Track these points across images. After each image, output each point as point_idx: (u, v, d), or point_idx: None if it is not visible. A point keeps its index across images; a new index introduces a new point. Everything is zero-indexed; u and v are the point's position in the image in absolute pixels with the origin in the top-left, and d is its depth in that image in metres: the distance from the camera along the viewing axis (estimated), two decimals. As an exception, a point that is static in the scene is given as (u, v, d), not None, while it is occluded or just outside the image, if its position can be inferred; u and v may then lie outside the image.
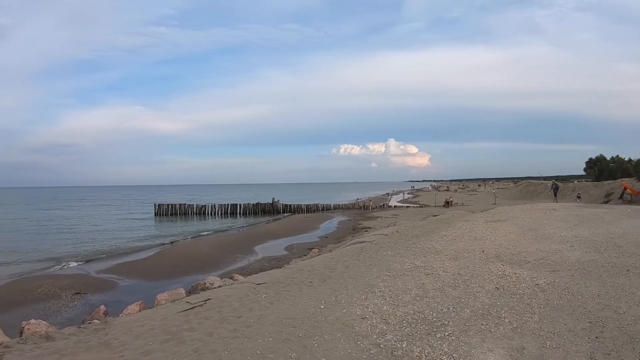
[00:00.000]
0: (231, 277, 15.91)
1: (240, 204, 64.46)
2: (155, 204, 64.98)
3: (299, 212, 60.46)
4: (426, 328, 7.62)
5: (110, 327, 9.21)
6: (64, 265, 24.97)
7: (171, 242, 33.85)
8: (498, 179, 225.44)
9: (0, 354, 7.98)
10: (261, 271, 16.89)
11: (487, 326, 7.63)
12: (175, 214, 61.95)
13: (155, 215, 62.08)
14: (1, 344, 8.87)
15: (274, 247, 27.97)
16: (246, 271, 18.88)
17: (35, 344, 8.53)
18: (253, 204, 64.51)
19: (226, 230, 42.57)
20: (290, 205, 64.32)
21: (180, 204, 64.41)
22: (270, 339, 7.43)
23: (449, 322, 7.84)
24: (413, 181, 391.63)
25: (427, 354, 6.62)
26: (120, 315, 11.74)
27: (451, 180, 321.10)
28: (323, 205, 63.58)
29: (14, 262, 26.62)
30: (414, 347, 6.86)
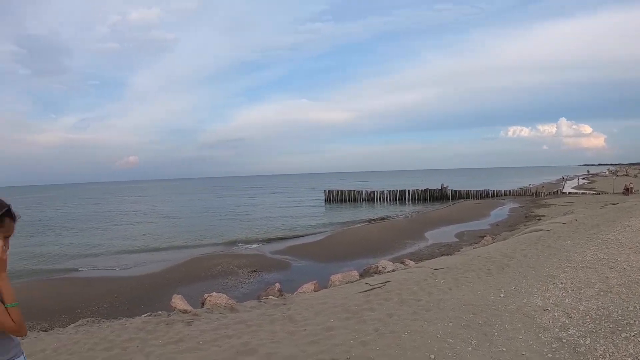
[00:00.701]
0: (402, 262, 15.95)
1: (408, 190, 64.22)
2: (325, 191, 67.34)
3: (468, 199, 59.04)
4: (610, 326, 7.08)
5: (292, 303, 9.79)
6: (240, 246, 27.04)
7: (341, 227, 34.48)
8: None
9: (190, 320, 8.69)
10: (432, 257, 16.93)
11: (678, 330, 6.91)
12: (345, 200, 63.43)
13: (325, 201, 64.24)
14: (189, 312, 9.68)
15: (444, 234, 27.49)
16: (416, 257, 18.80)
17: (220, 313, 9.29)
18: (422, 190, 63.99)
19: (395, 216, 42.50)
20: (459, 191, 62.81)
21: (349, 191, 65.74)
22: (450, 324, 7.36)
23: (635, 321, 7.20)
24: (588, 165, 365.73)
25: (611, 354, 6.14)
26: (294, 293, 12.27)
27: (630, 164, 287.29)
28: (493, 191, 61.41)
29: (195, 243, 29.66)
30: (598, 345, 6.41)
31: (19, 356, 2.77)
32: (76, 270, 21.90)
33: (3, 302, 2.54)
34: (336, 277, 13.58)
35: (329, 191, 66.44)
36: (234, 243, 28.52)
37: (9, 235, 2.68)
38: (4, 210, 2.61)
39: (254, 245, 26.94)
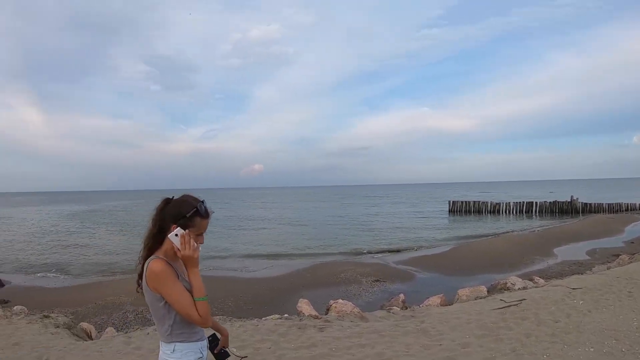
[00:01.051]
0: (531, 279, 15.26)
1: (536, 202, 61.12)
2: (449, 201, 65.76)
3: (600, 212, 55.05)
4: None
5: (425, 316, 9.70)
6: (364, 256, 27.12)
7: (465, 239, 33.78)
8: None
9: (322, 326, 8.89)
10: (561, 275, 16.18)
11: None
12: (469, 212, 61.49)
13: (449, 212, 62.70)
14: (320, 317, 9.92)
15: (574, 250, 25.98)
16: (545, 274, 17.94)
17: (352, 321, 9.43)
18: (550, 203, 60.87)
19: (521, 230, 41.03)
20: (590, 204, 59.02)
21: (474, 202, 63.79)
22: (591, 349, 7.08)
23: None
24: None
25: None
26: (420, 305, 12.10)
27: None
28: (627, 204, 57.07)
29: (319, 250, 30.49)
30: None
31: (204, 339, 3.02)
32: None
33: (192, 296, 2.72)
34: (463, 292, 13.27)
35: (453, 201, 64.96)
36: (357, 252, 28.75)
37: (201, 233, 2.82)
38: (192, 211, 2.75)
39: (377, 255, 27.00)
